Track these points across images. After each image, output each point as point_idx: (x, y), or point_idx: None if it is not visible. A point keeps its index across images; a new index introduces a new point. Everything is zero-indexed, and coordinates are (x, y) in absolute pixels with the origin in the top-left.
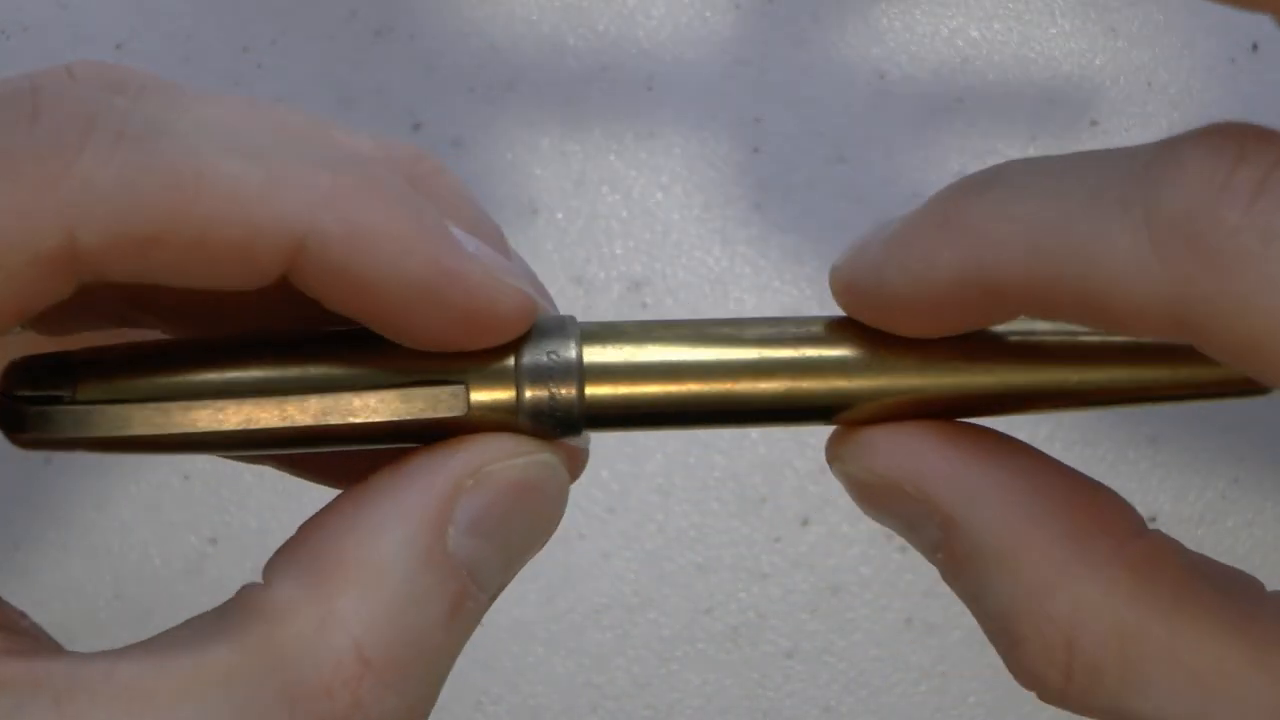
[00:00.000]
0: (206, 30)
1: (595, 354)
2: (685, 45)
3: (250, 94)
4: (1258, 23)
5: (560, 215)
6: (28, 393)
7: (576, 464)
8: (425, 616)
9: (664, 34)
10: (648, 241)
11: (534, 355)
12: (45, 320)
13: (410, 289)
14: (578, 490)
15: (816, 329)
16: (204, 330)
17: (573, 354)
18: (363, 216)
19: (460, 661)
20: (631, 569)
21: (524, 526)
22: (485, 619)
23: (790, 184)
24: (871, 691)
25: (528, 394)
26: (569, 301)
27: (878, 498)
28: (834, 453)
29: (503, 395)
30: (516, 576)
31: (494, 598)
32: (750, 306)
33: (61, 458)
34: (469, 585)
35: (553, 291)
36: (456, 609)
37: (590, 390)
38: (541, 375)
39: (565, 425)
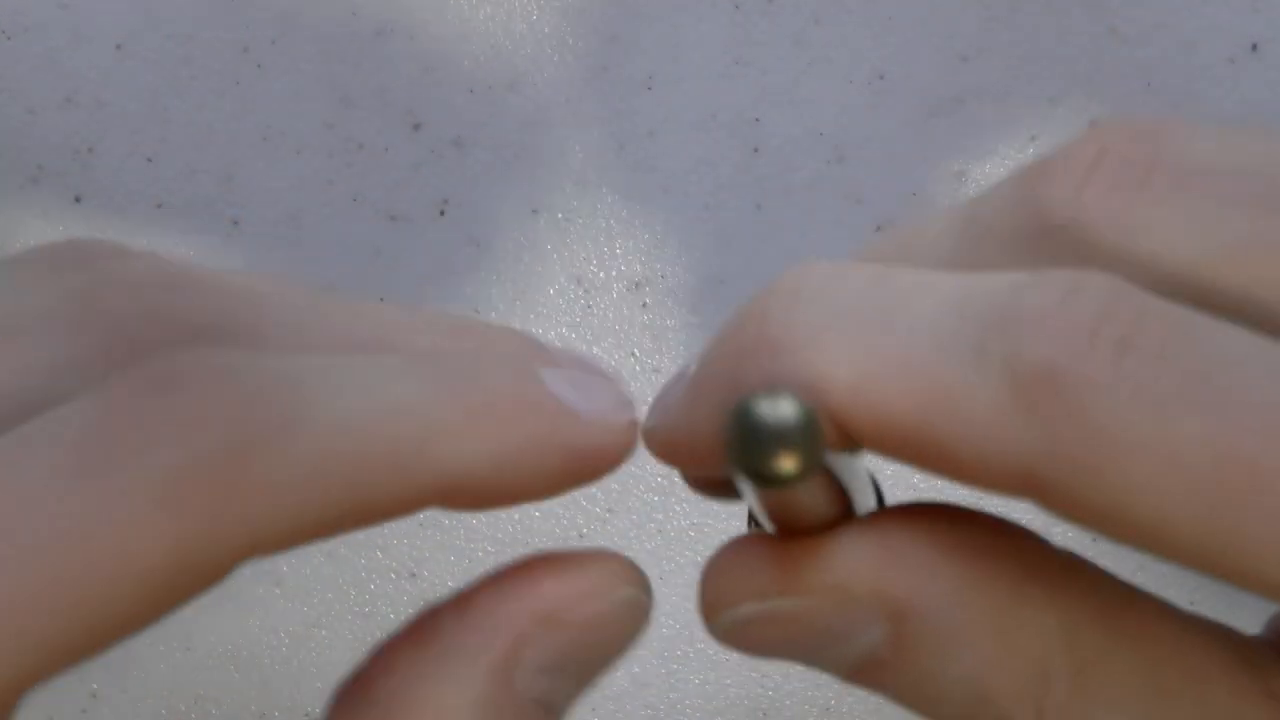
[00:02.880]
0: (206, 30)
1: None
2: (685, 45)
3: (250, 94)
4: (1258, 23)
5: (560, 215)
6: None
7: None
8: None
9: (664, 34)
10: (648, 241)
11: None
12: None
13: (546, 483)
14: (578, 490)
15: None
16: None
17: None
18: (508, 446)
19: None
20: None
21: (600, 657)
22: None
23: (790, 184)
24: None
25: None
26: (569, 301)
27: (801, 621)
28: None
29: None
30: None
31: (565, 713)
32: None
33: None
34: (538, 717)
35: (552, 291)
36: None
37: None
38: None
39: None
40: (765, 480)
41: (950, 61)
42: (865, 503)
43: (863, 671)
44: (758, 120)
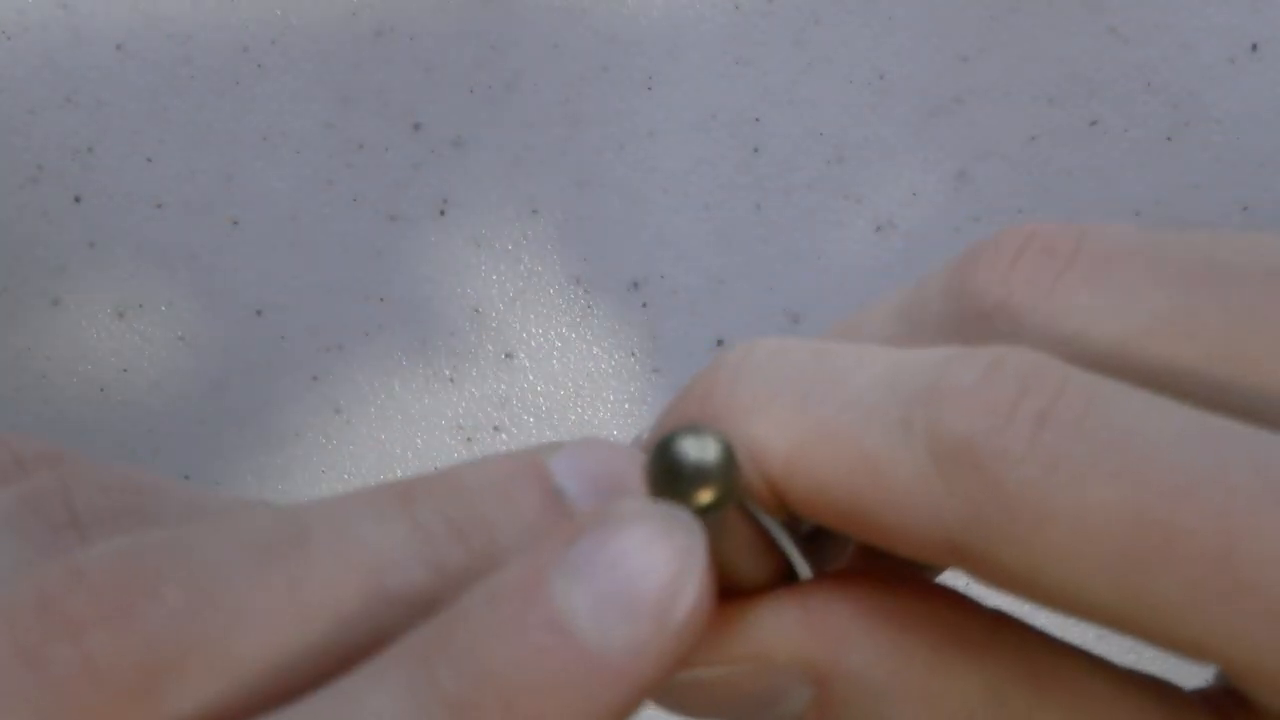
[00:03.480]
0: (206, 30)
1: None
2: (685, 45)
3: (250, 94)
4: (1258, 23)
5: (560, 215)
6: None
7: None
8: None
9: (664, 34)
10: (647, 241)
11: None
12: None
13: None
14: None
15: None
16: None
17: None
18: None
19: None
20: None
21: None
22: None
23: (790, 184)
24: None
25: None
26: (569, 301)
27: (727, 687)
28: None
29: None
30: None
31: None
32: (752, 305)
33: None
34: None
35: (552, 291)
36: None
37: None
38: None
39: None
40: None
41: (950, 61)
42: (805, 574)
43: None
44: (758, 120)
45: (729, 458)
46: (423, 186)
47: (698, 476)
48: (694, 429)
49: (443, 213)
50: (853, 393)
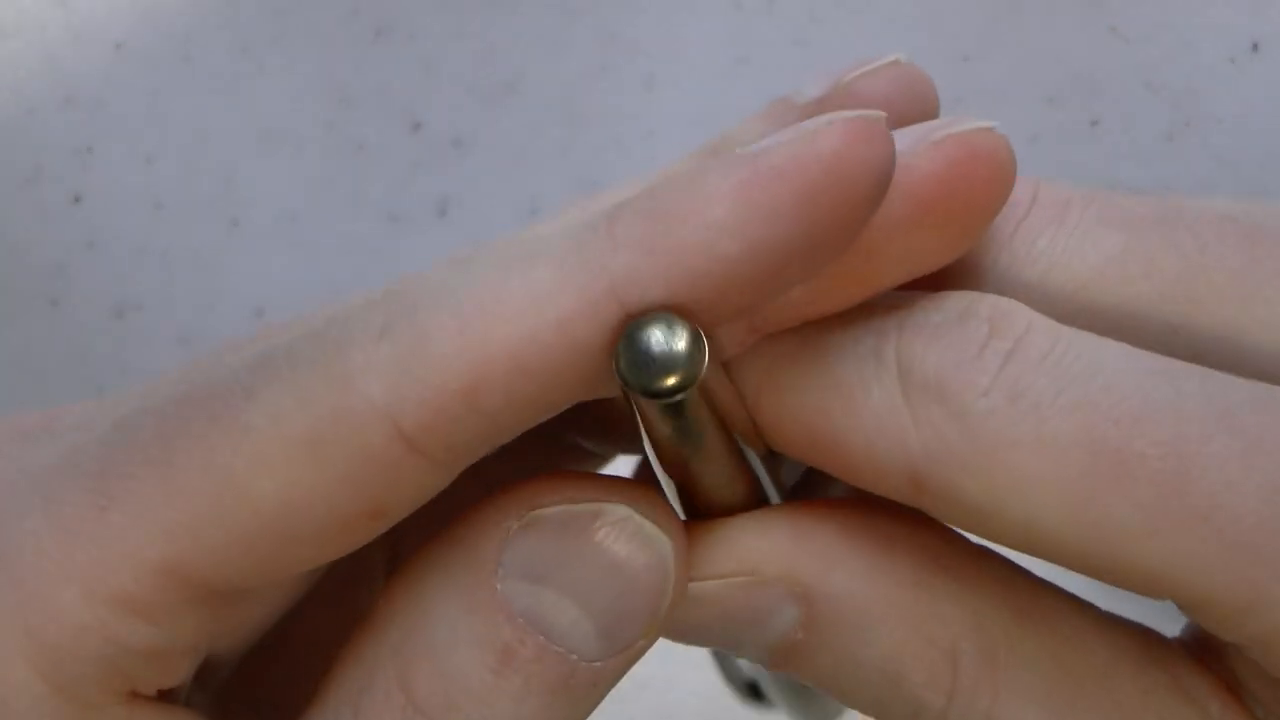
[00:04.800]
0: (206, 30)
1: None
2: (685, 45)
3: (250, 94)
4: (1258, 23)
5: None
6: None
7: None
8: (467, 659)
9: (664, 34)
10: None
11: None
12: None
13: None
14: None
15: None
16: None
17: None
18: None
19: None
20: None
21: (596, 581)
22: None
23: None
24: None
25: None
26: None
27: (715, 604)
28: None
29: None
30: None
31: (605, 670)
32: None
33: None
34: (528, 636)
35: None
36: (507, 658)
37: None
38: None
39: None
40: (654, 392)
41: (950, 61)
42: (775, 500)
43: (781, 656)
44: None
45: (698, 345)
46: (423, 186)
47: (667, 363)
48: (665, 318)
49: (443, 213)
50: (831, 329)
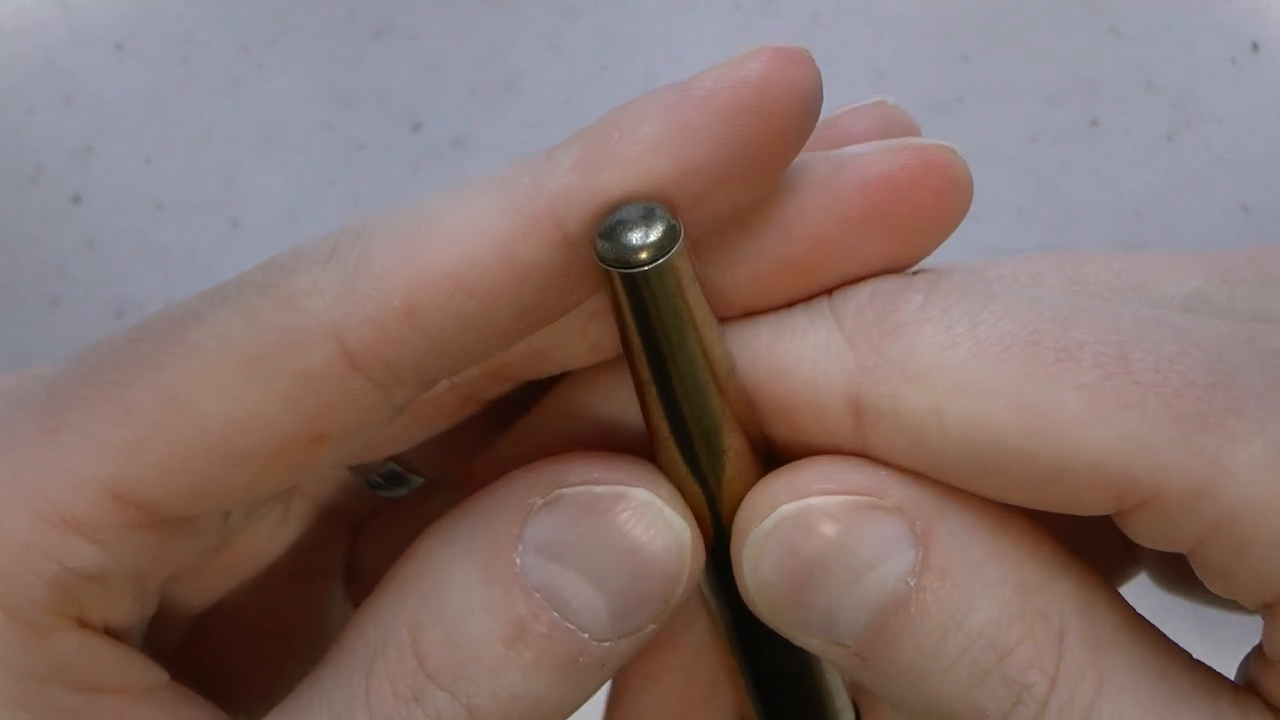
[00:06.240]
0: (206, 30)
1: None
2: (685, 45)
3: (250, 94)
4: (1258, 23)
5: None
6: None
7: None
8: (480, 629)
9: (664, 34)
10: None
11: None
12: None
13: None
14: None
15: None
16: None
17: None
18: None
19: None
20: None
21: (614, 562)
22: None
23: None
24: None
25: None
26: None
27: (833, 526)
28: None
29: None
30: None
31: (614, 650)
32: None
33: None
34: (542, 611)
35: None
36: (520, 631)
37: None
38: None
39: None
40: (632, 262)
41: (950, 61)
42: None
43: (884, 619)
44: None
45: (671, 224)
46: (423, 186)
47: (643, 235)
48: (646, 210)
49: None
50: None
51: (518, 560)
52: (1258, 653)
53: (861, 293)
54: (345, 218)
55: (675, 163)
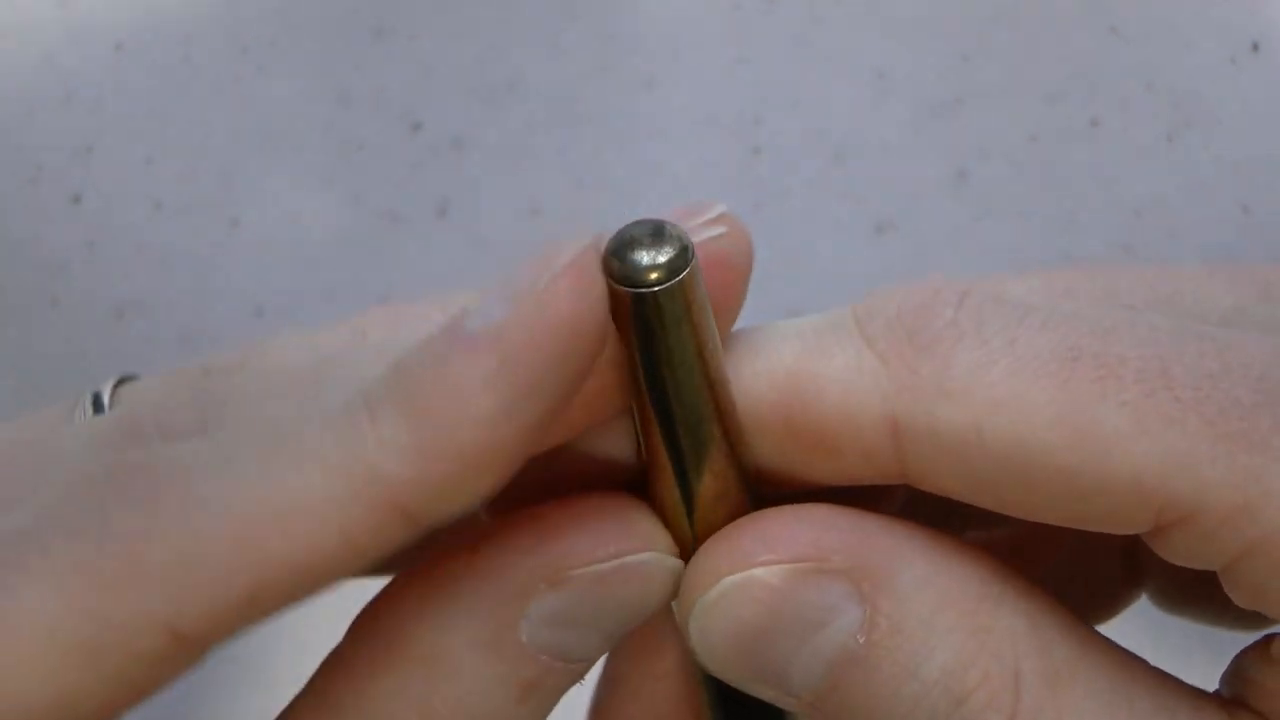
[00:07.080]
0: (206, 30)
1: None
2: (685, 45)
3: (250, 94)
4: (1258, 23)
5: (560, 215)
6: None
7: None
8: (493, 700)
9: (664, 34)
10: None
11: None
12: None
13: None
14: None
15: None
16: None
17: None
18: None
19: None
20: None
21: (617, 612)
22: None
23: (790, 184)
24: None
25: None
26: None
27: (779, 594)
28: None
29: None
30: None
31: (595, 660)
32: (750, 306)
33: None
34: (548, 666)
35: None
36: (529, 690)
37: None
38: None
39: None
40: (636, 281)
41: (950, 61)
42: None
43: (836, 674)
44: (758, 120)
45: (682, 244)
46: (423, 186)
47: (655, 255)
48: (656, 228)
49: (443, 213)
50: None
51: (524, 638)
52: (1260, 653)
53: (888, 307)
54: (345, 218)
55: (516, 426)
